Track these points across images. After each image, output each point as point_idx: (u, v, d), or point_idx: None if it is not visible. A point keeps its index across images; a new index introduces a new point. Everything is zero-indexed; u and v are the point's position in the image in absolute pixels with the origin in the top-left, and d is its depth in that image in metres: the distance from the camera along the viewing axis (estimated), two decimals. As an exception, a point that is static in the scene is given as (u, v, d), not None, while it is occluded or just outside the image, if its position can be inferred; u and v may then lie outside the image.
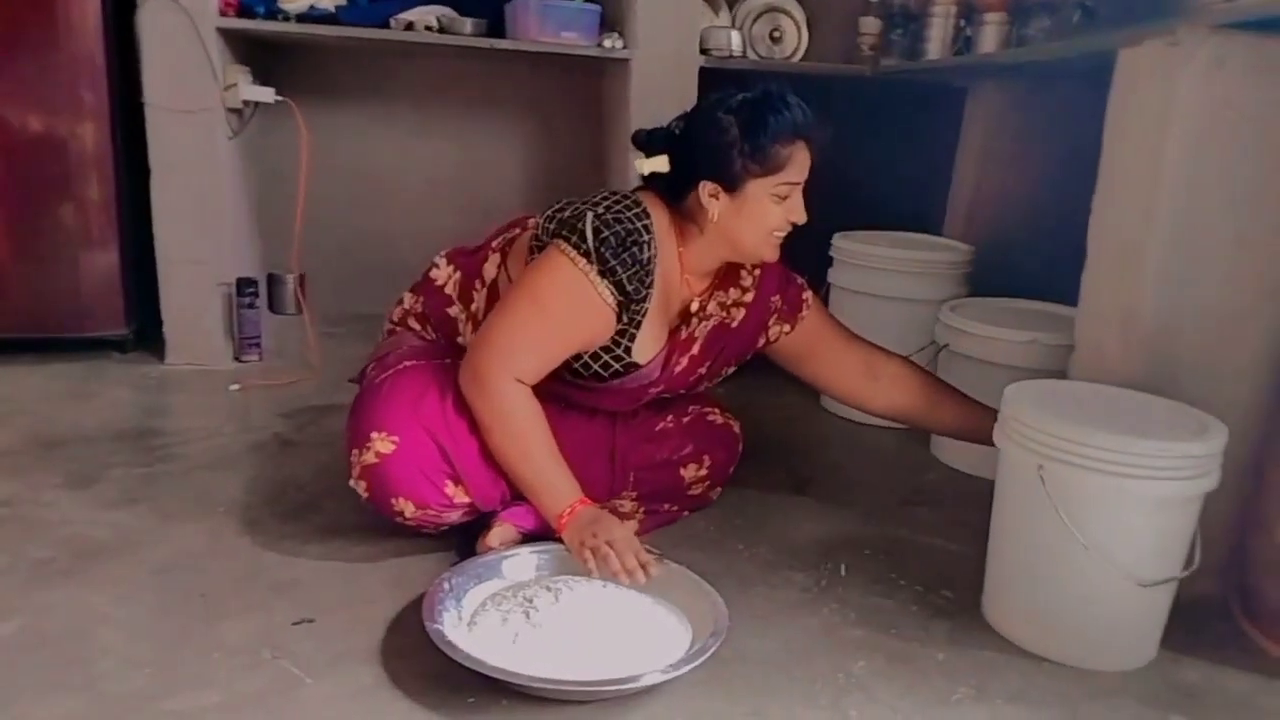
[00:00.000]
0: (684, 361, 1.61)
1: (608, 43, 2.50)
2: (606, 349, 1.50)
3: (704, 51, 2.60)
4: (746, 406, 2.40)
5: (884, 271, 2.27)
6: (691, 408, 1.77)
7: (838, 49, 2.94)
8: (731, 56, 2.65)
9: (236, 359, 2.51)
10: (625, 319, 1.48)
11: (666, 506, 1.70)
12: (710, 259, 1.56)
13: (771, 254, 1.54)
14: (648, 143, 1.55)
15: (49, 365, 2.38)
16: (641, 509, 1.65)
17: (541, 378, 1.47)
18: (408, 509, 1.46)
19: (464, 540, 1.55)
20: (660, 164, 1.52)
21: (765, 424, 2.35)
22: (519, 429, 1.43)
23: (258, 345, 2.53)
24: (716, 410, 1.80)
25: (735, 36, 2.65)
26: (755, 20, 2.97)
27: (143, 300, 2.45)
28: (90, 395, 2.23)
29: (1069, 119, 2.40)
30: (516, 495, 1.51)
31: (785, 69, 2.83)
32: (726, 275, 1.62)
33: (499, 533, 1.50)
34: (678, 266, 1.54)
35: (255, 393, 2.31)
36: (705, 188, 1.47)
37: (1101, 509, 1.29)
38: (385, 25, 2.39)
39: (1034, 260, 2.42)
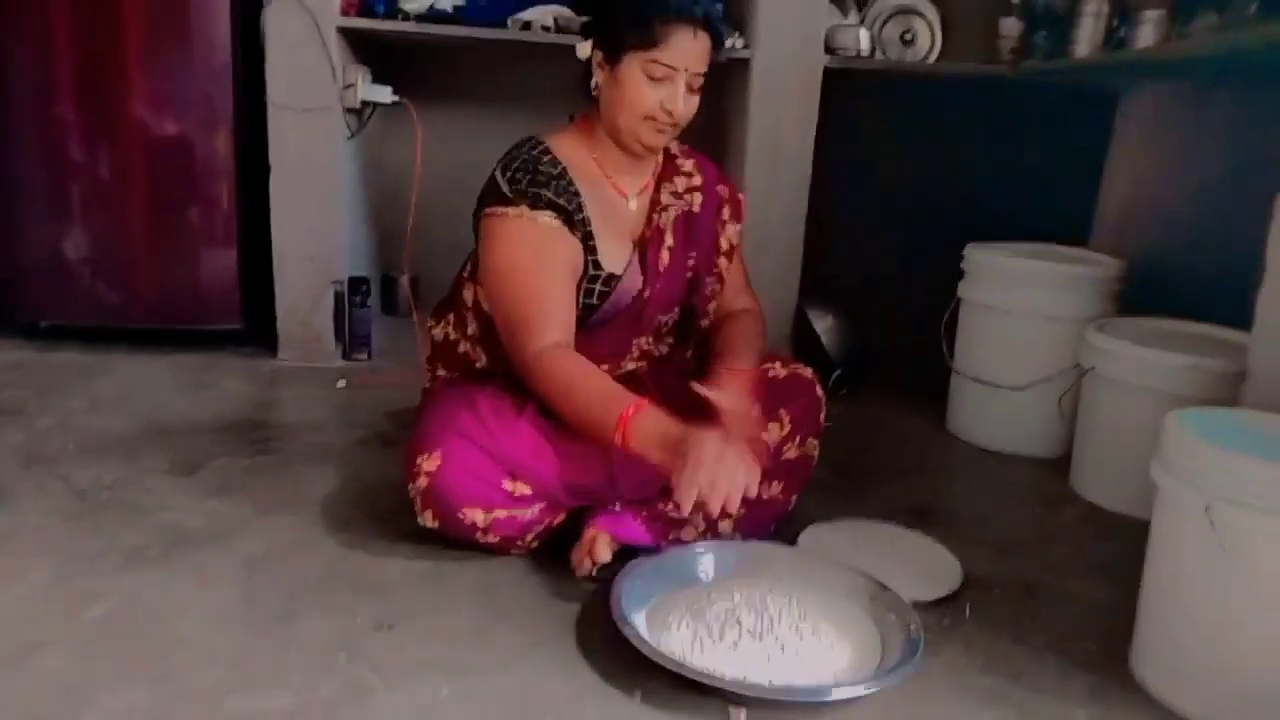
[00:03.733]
0: (665, 255, 1.57)
1: (728, 41, 2.40)
2: (583, 274, 1.50)
3: (830, 51, 2.47)
4: (862, 426, 2.28)
5: (1022, 285, 2.08)
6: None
7: (975, 53, 2.75)
8: (859, 56, 2.51)
9: (346, 357, 2.52)
10: (580, 235, 1.47)
11: (771, 486, 1.55)
12: (619, 149, 1.53)
13: (652, 140, 1.50)
14: (584, 28, 1.56)
15: (170, 356, 2.44)
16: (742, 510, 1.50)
17: (573, 330, 1.45)
18: (478, 516, 1.41)
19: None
20: (585, 48, 1.52)
21: (882, 445, 2.20)
22: (570, 385, 1.37)
23: (367, 344, 2.53)
24: (776, 363, 1.66)
25: (864, 35, 2.51)
26: (886, 21, 2.83)
27: (259, 296, 2.49)
28: (204, 386, 2.26)
29: (1238, 124, 2.16)
30: (587, 488, 1.46)
31: (918, 70, 2.67)
32: (665, 168, 1.62)
33: (594, 542, 1.42)
34: (599, 173, 1.54)
35: (361, 391, 2.31)
36: (595, 57, 1.49)
37: (1283, 558, 1.11)
38: (503, 25, 2.36)
39: (1193, 278, 2.18)
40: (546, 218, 1.45)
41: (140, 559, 1.43)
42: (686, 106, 1.47)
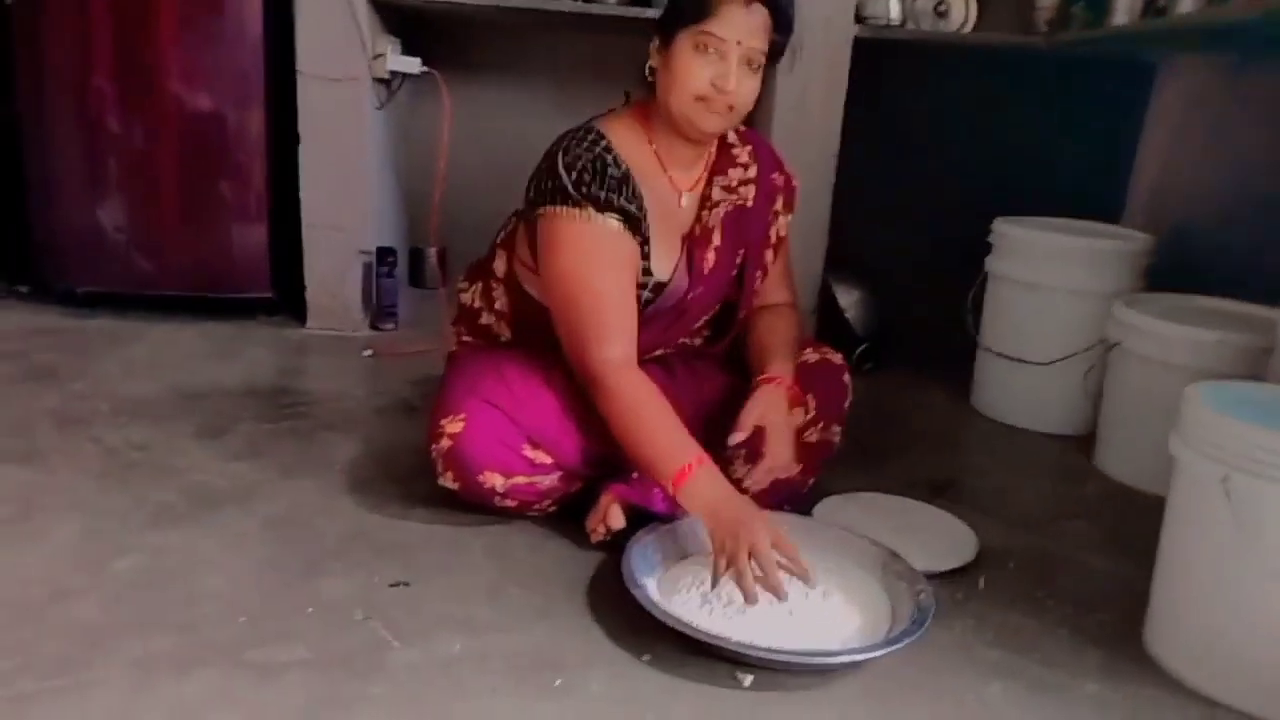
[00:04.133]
0: (710, 256, 1.52)
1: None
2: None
3: (859, 20, 2.44)
4: (886, 402, 2.27)
5: (1050, 259, 2.06)
6: None
7: (1010, 24, 2.70)
8: (889, 25, 2.48)
9: (373, 327, 2.55)
10: (640, 238, 1.43)
11: (790, 467, 1.54)
12: (678, 139, 1.47)
13: (706, 123, 1.41)
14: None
15: (200, 324, 2.48)
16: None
17: (636, 336, 1.42)
18: (497, 481, 1.42)
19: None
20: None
21: (907, 420, 2.19)
22: (634, 413, 1.36)
23: (394, 315, 2.56)
24: (809, 348, 1.66)
25: (894, 4, 2.48)
26: (919, -7, 2.78)
27: (288, 265, 2.52)
28: (233, 354, 2.30)
29: (1278, 99, 2.11)
30: (606, 458, 1.46)
31: (951, 39, 2.63)
32: (719, 159, 1.56)
33: (609, 509, 1.43)
34: (658, 166, 1.49)
35: (387, 360, 2.33)
36: (652, 44, 1.44)
37: (1301, 533, 1.09)
38: (530, -5, 2.36)
39: (1226, 255, 2.14)
40: (613, 221, 1.40)
41: (167, 516, 1.47)
42: (742, 87, 1.38)
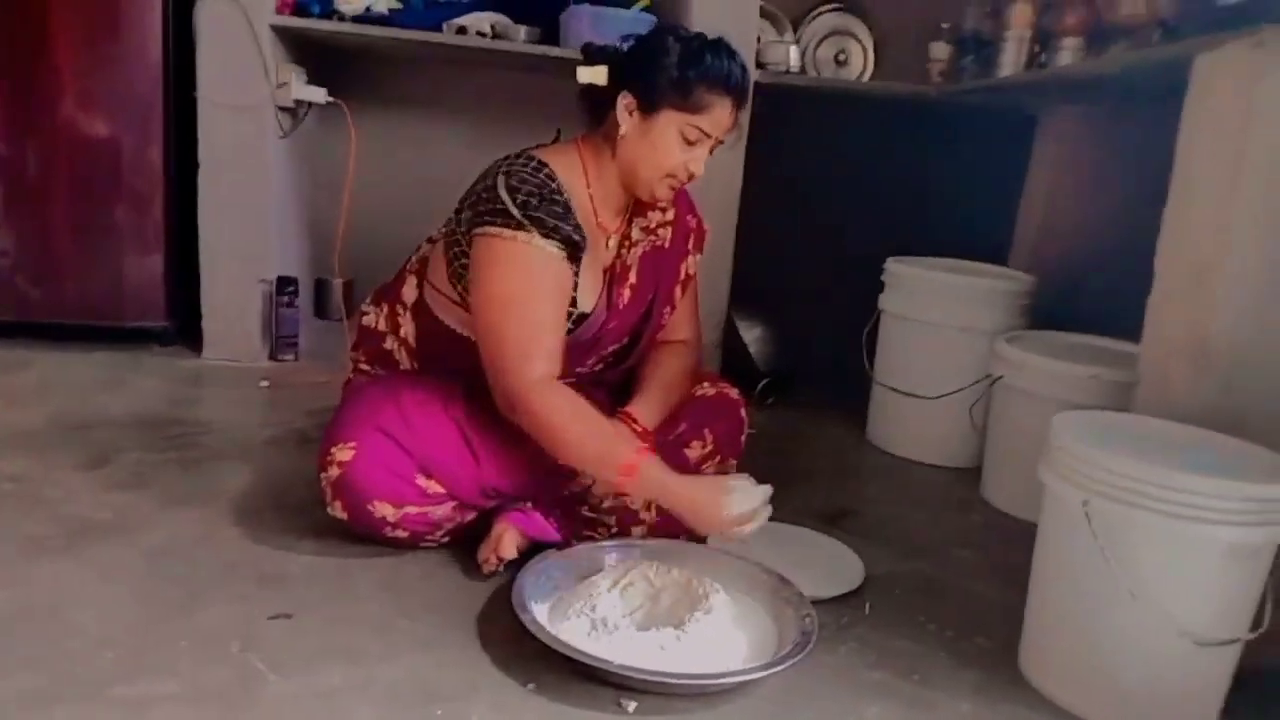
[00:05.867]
0: (626, 293, 1.56)
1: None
2: None
3: (760, 66, 2.53)
4: (786, 434, 2.31)
5: (937, 298, 2.15)
6: None
7: (906, 75, 2.83)
8: (789, 73, 2.57)
9: (272, 357, 2.50)
10: (575, 269, 1.44)
11: None
12: (616, 190, 1.52)
13: (664, 195, 1.50)
14: (594, 54, 1.52)
15: (92, 353, 2.40)
16: (653, 506, 1.53)
17: (561, 356, 1.42)
18: (388, 511, 1.40)
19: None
20: (599, 75, 1.49)
21: (805, 452, 2.24)
22: (565, 420, 1.37)
23: (294, 345, 2.51)
24: (706, 383, 1.70)
25: (793, 52, 2.57)
26: (820, 42, 2.90)
27: (187, 294, 2.46)
28: (123, 384, 2.23)
29: (1146, 146, 2.24)
30: (500, 490, 1.47)
31: (847, 88, 2.74)
32: (638, 202, 1.58)
33: (501, 539, 1.43)
34: (590, 206, 1.51)
35: (284, 390, 2.29)
36: (624, 99, 1.44)
37: (1154, 554, 1.15)
38: (438, 30, 2.38)
39: (1103, 294, 2.26)
40: (554, 249, 1.40)
41: (40, 549, 1.41)
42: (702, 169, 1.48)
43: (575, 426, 1.37)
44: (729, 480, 1.41)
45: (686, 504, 1.37)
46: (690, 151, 1.45)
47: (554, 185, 1.42)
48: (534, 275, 1.40)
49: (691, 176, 1.47)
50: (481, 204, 1.42)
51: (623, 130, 1.45)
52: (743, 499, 1.37)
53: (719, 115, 1.43)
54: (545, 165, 1.44)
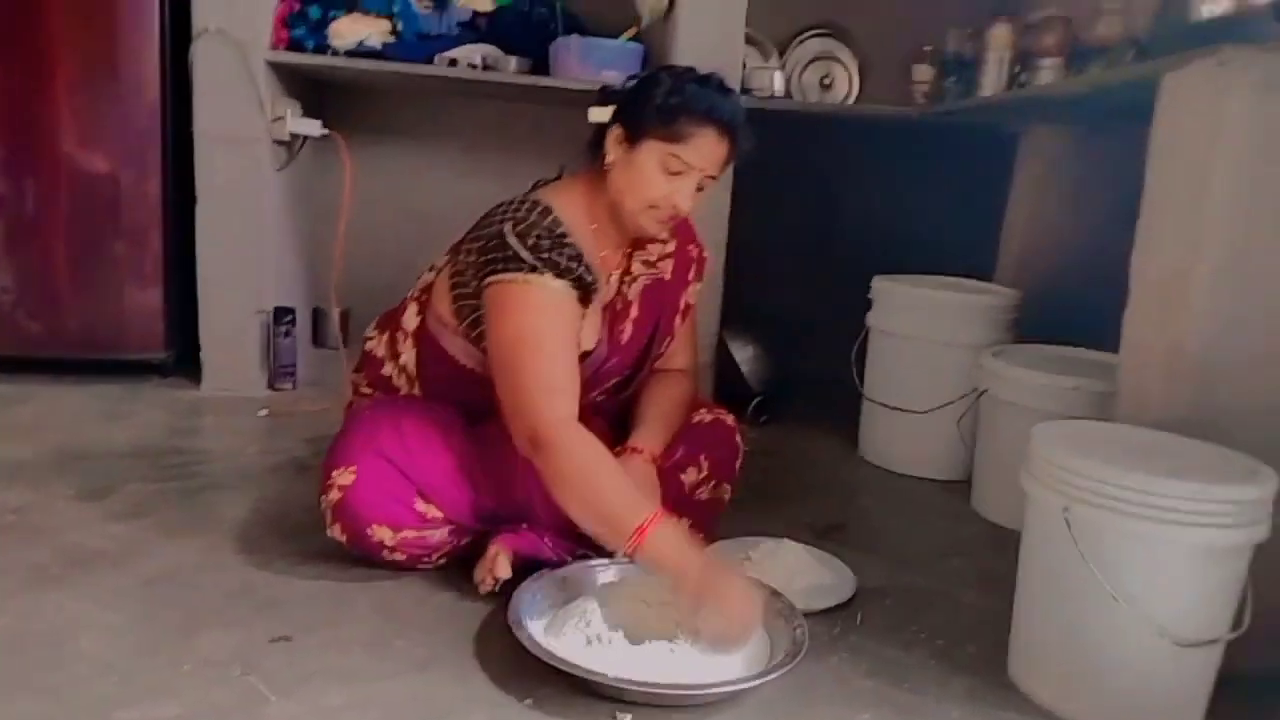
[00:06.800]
0: (628, 329, 1.58)
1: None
2: None
3: (746, 92, 2.57)
4: (779, 451, 2.34)
5: (924, 314, 2.18)
6: None
7: (890, 97, 2.88)
8: (773, 97, 2.62)
9: (271, 387, 2.53)
10: (585, 310, 1.45)
11: (680, 523, 1.59)
12: (615, 224, 1.52)
13: (650, 228, 1.50)
14: (606, 95, 1.55)
15: (91, 385, 2.43)
16: None
17: (579, 395, 1.41)
18: (386, 535, 1.43)
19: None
20: (606, 114, 1.51)
21: (798, 468, 2.27)
22: (587, 471, 1.33)
23: (292, 375, 2.54)
24: (703, 409, 1.72)
25: (778, 78, 2.63)
26: (806, 67, 2.96)
27: (185, 326, 2.49)
28: (123, 415, 2.25)
29: (1124, 163, 2.28)
30: (496, 514, 1.48)
31: (833, 111, 2.79)
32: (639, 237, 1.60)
33: (496, 559, 1.45)
34: (594, 244, 1.51)
35: (283, 419, 2.32)
36: (614, 131, 1.47)
37: (1134, 557, 1.18)
38: (430, 63, 2.42)
39: (1086, 308, 2.29)
40: (565, 287, 1.41)
41: (41, 578, 1.43)
42: (691, 204, 1.47)
43: (603, 475, 1.32)
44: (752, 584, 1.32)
45: (694, 587, 1.24)
46: (673, 183, 1.44)
47: (561, 230, 1.43)
48: (550, 315, 1.40)
49: (675, 210, 1.46)
50: (490, 253, 1.42)
51: (609, 159, 1.48)
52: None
53: (701, 146, 1.43)
54: (550, 210, 1.45)
